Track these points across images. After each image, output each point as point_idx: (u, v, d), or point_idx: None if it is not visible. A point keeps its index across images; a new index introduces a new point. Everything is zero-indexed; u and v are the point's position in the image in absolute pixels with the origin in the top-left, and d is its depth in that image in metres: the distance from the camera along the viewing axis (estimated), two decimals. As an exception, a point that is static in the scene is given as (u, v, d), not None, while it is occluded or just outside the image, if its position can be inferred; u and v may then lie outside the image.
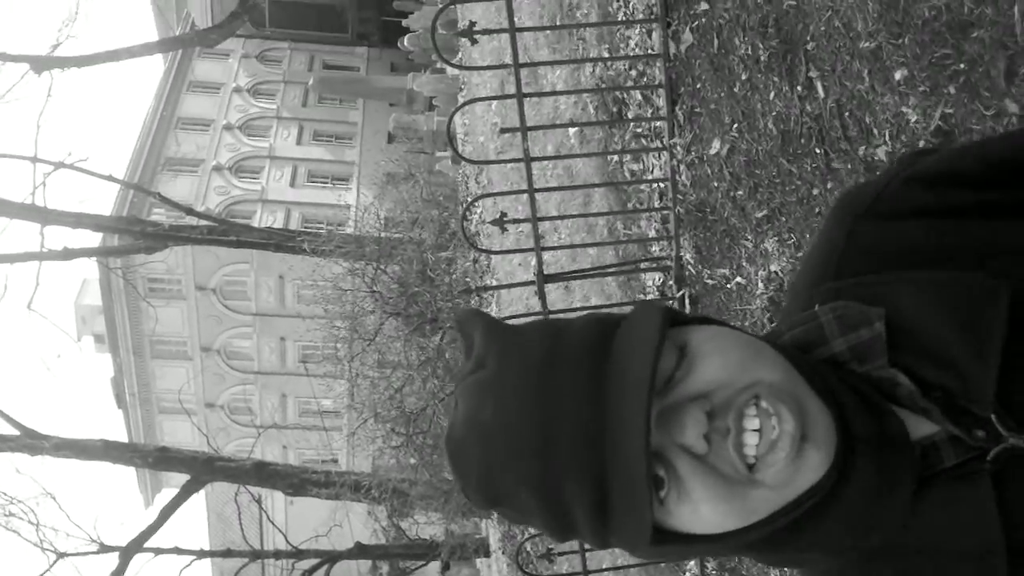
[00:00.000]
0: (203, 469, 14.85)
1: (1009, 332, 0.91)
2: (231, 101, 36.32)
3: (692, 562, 5.27)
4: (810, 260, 1.12)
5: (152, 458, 14.88)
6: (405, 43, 19.57)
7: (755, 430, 0.86)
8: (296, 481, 14.92)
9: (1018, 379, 0.91)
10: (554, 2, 7.15)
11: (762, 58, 3.97)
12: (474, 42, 4.53)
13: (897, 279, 0.99)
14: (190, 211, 19.49)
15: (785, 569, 4.10)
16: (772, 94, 3.95)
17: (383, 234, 13.58)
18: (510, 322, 1.02)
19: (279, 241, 16.86)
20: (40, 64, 16.68)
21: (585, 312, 1.00)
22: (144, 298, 27.45)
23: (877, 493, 0.93)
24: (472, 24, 4.35)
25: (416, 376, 11.74)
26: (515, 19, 4.46)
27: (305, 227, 28.80)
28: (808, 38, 3.66)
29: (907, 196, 1.05)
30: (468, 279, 11.38)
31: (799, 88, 3.77)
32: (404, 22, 20.97)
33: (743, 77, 4.17)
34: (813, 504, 0.91)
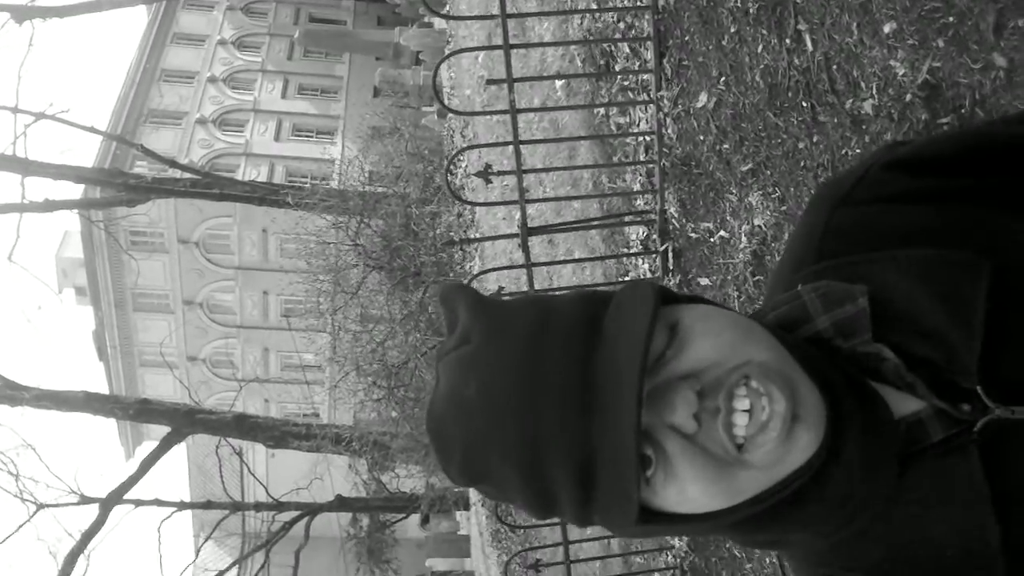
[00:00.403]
0: (184, 421, 14.84)
1: (992, 308, 0.91)
2: (216, 53, 35.93)
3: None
4: (791, 247, 1.12)
5: (133, 410, 14.86)
6: (392, -5, 19.33)
7: (745, 410, 0.86)
8: (277, 434, 14.93)
9: (1002, 352, 0.92)
10: (542, -47, 7.08)
11: (751, 10, 3.95)
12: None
13: (879, 257, 0.99)
14: (173, 163, 19.36)
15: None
16: (760, 47, 3.93)
17: (367, 188, 13.50)
18: (495, 295, 1.01)
19: (263, 194, 16.77)
20: (21, 13, 16.46)
21: (573, 289, 0.96)
22: (126, 251, 27.29)
23: (863, 472, 0.92)
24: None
25: (398, 330, 11.73)
26: (503, -32, 4.41)
27: (289, 181, 28.60)
28: (798, -10, 3.63)
29: (886, 182, 1.06)
30: (452, 233, 11.34)
31: (787, 41, 3.75)
32: (391, -25, 20.72)
33: (732, 30, 4.14)
34: (801, 484, 0.91)
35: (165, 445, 15.32)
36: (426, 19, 21.02)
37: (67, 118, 17.04)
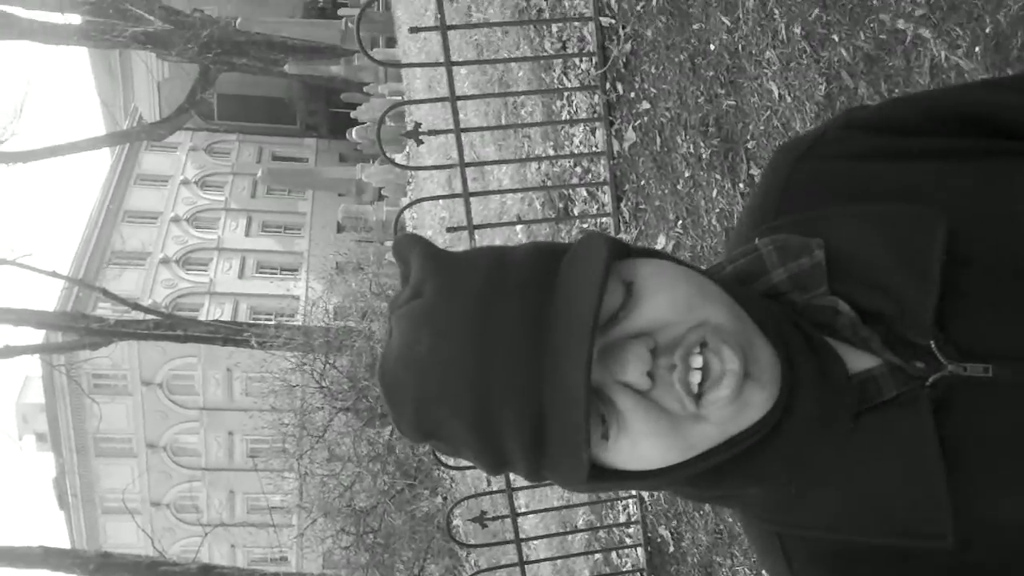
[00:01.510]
0: (147, 574, 14.39)
1: (947, 264, 0.91)
2: (179, 193, 36.19)
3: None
4: (751, 205, 1.11)
5: (93, 564, 14.42)
6: (353, 135, 19.68)
7: (698, 368, 0.84)
8: (244, 584, 14.52)
9: (956, 309, 0.91)
10: (499, 101, 7.24)
11: (704, 156, 4.01)
12: (420, 143, 4.53)
13: (837, 212, 0.99)
14: (136, 306, 19.31)
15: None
16: (715, 191, 3.98)
17: (332, 326, 13.46)
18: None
19: (226, 335, 16.72)
20: (-18, 161, 16.55)
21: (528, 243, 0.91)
22: (88, 395, 26.83)
23: (816, 429, 0.92)
24: (417, 125, 4.36)
25: (366, 472, 11.53)
26: (460, 117, 4.48)
27: (254, 318, 28.53)
28: (748, 137, 3.70)
29: (845, 139, 1.05)
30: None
31: (741, 185, 3.80)
32: (352, 114, 21.13)
33: (686, 175, 4.20)
34: (754, 441, 0.90)
35: (127, 600, 14.78)
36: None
37: (29, 263, 17.04)
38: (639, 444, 0.86)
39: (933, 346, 0.90)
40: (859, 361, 0.95)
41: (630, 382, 0.84)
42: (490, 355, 0.83)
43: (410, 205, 5.82)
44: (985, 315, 0.92)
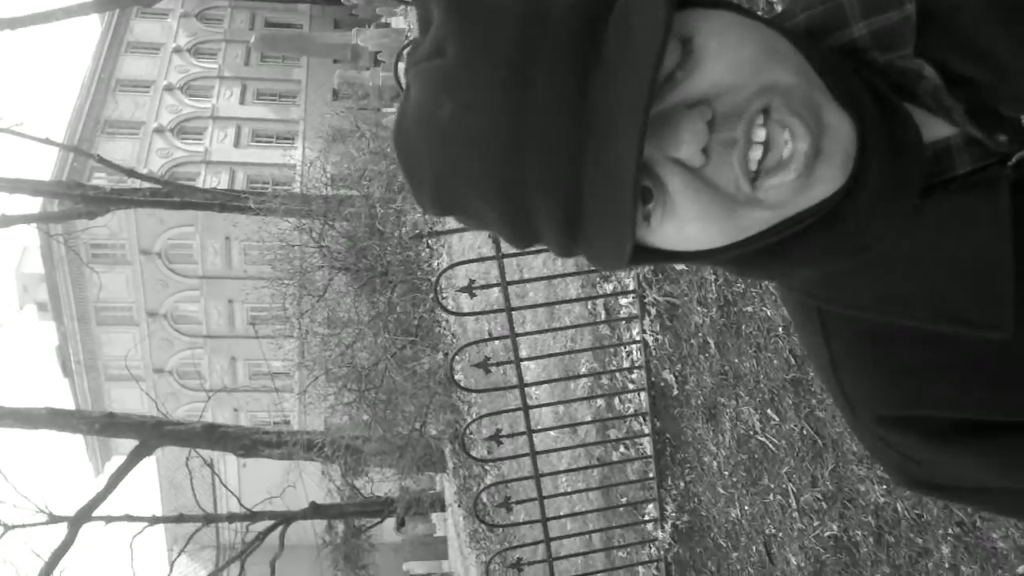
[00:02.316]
0: (152, 433, 14.67)
1: None
2: (171, 61, 35.57)
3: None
4: None
5: (99, 424, 14.65)
6: (348, -3, 19.21)
7: (760, 142, 0.75)
8: (247, 442, 14.80)
9: None
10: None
11: None
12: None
13: None
14: (132, 173, 19.13)
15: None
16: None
17: (330, 190, 13.34)
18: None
19: (224, 201, 16.60)
20: (-31, 27, 16.14)
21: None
22: (87, 264, 26.99)
23: (882, 204, 0.83)
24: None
25: (367, 331, 11.57)
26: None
27: (251, 187, 28.36)
28: None
29: None
30: (418, 229, 11.18)
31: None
32: (347, -24, 20.57)
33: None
34: (814, 220, 0.83)
35: (134, 459, 15.12)
36: (383, 19, 20.85)
37: (21, 131, 16.77)
38: (686, 227, 0.78)
39: (1022, 120, 0.81)
40: (936, 129, 0.86)
41: (684, 159, 0.75)
42: (523, 132, 0.73)
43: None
44: None
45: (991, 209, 0.82)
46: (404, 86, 0.84)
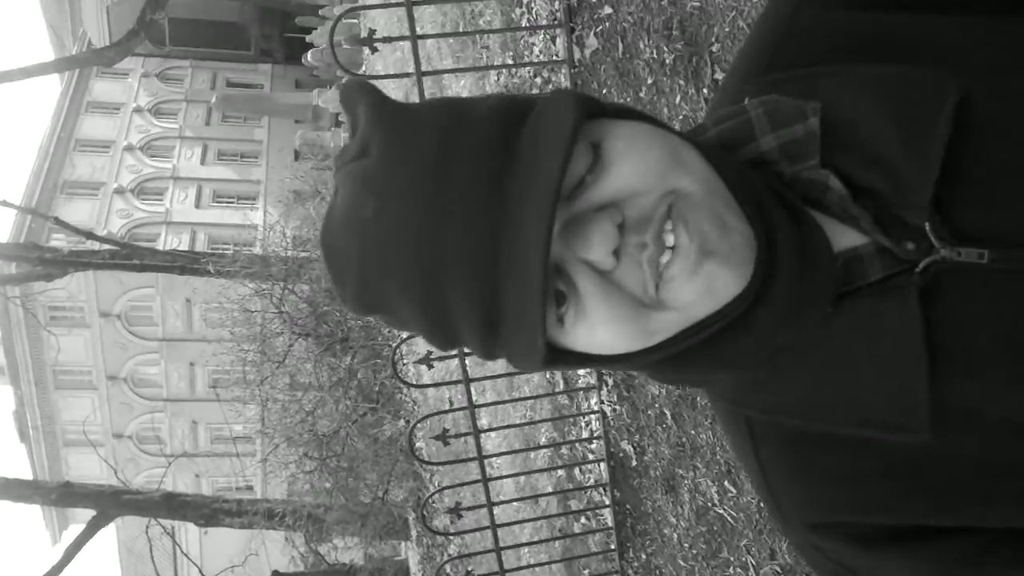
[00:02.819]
0: (110, 503, 14.39)
1: (955, 136, 0.82)
2: (132, 121, 35.51)
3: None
4: (745, 51, 1.01)
5: (56, 495, 14.36)
6: (309, 59, 19.34)
7: (670, 247, 0.77)
8: (208, 511, 14.55)
9: (955, 187, 0.83)
10: (456, 10, 7.05)
11: (667, 61, 3.90)
12: (374, 50, 4.38)
13: (837, 71, 0.89)
14: (91, 235, 18.93)
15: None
16: (678, 97, 3.88)
17: (290, 253, 13.32)
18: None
19: (184, 264, 16.48)
20: (-74, 86, 16.04)
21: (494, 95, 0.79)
22: (45, 327, 26.61)
23: (793, 313, 0.85)
24: (372, 32, 4.20)
25: (328, 397, 11.52)
26: (417, 27, 4.33)
27: (212, 248, 28.22)
28: (713, 40, 3.60)
29: None
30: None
31: (704, 91, 3.71)
32: (307, 38, 20.74)
33: (649, 81, 4.10)
34: (722, 326, 0.83)
35: (91, 529, 14.80)
36: (343, 80, 20.98)
37: (-23, 194, 16.62)
38: (596, 329, 0.79)
39: (927, 228, 0.83)
40: (845, 238, 0.87)
41: (593, 261, 0.77)
42: (441, 225, 0.74)
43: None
44: (987, 195, 0.83)
45: (902, 316, 0.83)
46: (334, 188, 0.86)
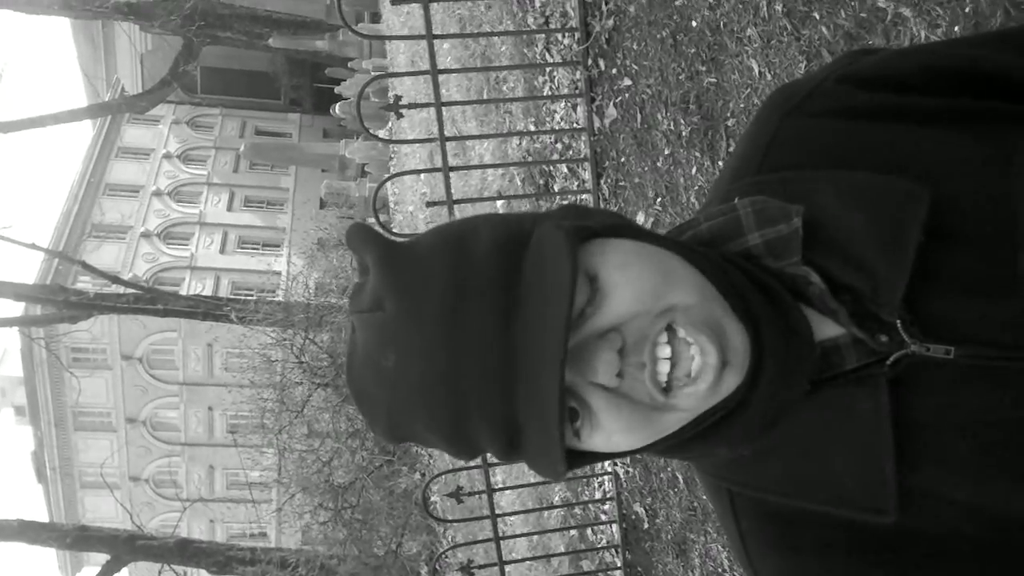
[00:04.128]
0: (124, 548, 14.37)
1: (927, 240, 0.89)
2: (161, 167, 35.91)
3: None
4: (736, 154, 1.09)
5: (71, 538, 14.37)
6: (337, 110, 19.57)
7: (666, 358, 0.86)
8: (221, 559, 14.50)
9: (927, 287, 0.90)
10: (481, 76, 7.20)
11: (684, 133, 4.00)
12: (400, 116, 4.50)
13: (819, 177, 0.97)
14: (116, 279, 19.15)
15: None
16: (694, 169, 3.97)
17: (313, 302, 13.41)
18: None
19: (206, 309, 16.60)
20: (-37, 131, 16.37)
21: (485, 217, 0.91)
22: (67, 368, 26.71)
23: (777, 393, 0.93)
24: (398, 99, 4.32)
25: (344, 448, 11.53)
26: (442, 92, 4.45)
27: (235, 294, 28.36)
28: (728, 115, 3.69)
29: (840, 95, 1.02)
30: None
31: (720, 163, 3.79)
32: (336, 89, 20.99)
33: (666, 152, 4.19)
34: (722, 415, 0.93)
35: (105, 573, 14.78)
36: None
37: (8, 235, 16.86)
38: (612, 437, 0.88)
39: (899, 325, 0.90)
40: (825, 329, 0.95)
41: (600, 384, 0.85)
42: (461, 370, 0.83)
43: (389, 179, 5.78)
44: (954, 296, 0.91)
45: (872, 404, 0.90)
46: (351, 327, 0.94)
